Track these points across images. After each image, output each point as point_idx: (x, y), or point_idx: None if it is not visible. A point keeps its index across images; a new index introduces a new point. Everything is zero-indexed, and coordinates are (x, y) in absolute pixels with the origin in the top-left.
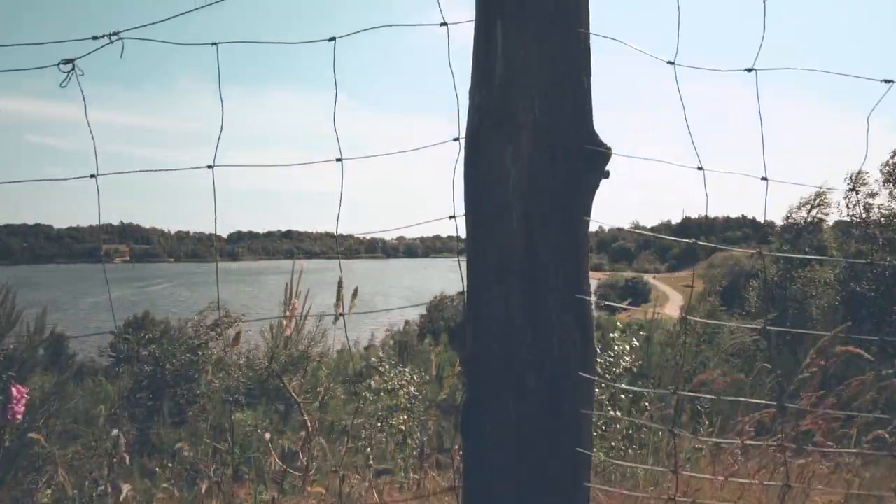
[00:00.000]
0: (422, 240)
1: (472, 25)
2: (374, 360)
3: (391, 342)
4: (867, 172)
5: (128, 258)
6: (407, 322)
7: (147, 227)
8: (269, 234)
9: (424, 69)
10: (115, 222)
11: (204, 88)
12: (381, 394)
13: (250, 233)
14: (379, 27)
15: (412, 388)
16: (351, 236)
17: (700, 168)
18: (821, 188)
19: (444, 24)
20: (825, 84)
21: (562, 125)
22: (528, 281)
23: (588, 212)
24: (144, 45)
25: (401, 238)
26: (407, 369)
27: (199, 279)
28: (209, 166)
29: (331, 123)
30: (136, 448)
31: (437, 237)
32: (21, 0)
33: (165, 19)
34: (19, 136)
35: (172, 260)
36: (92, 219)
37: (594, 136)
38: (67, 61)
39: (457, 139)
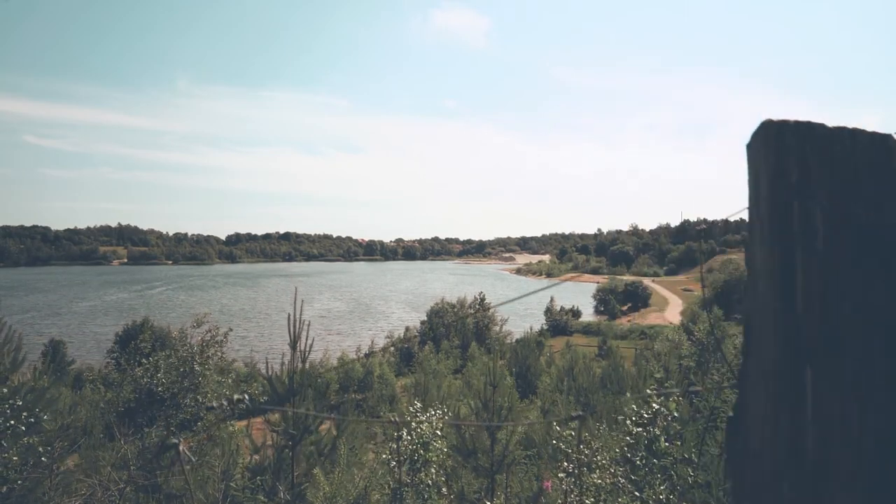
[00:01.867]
0: (420, 241)
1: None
2: (408, 410)
3: (392, 348)
4: None
5: (126, 260)
6: (407, 328)
7: (145, 228)
8: (268, 236)
9: (424, 69)
10: (114, 224)
11: (202, 91)
12: (415, 446)
13: (248, 234)
14: None
15: (442, 444)
16: (350, 238)
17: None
18: None
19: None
20: (825, 85)
21: None
22: None
23: None
24: (143, 45)
25: (399, 240)
26: (435, 412)
27: (197, 282)
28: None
29: (328, 123)
30: (145, 489)
31: (436, 239)
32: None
33: None
34: (18, 136)
35: (170, 262)
36: (90, 219)
37: None
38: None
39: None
